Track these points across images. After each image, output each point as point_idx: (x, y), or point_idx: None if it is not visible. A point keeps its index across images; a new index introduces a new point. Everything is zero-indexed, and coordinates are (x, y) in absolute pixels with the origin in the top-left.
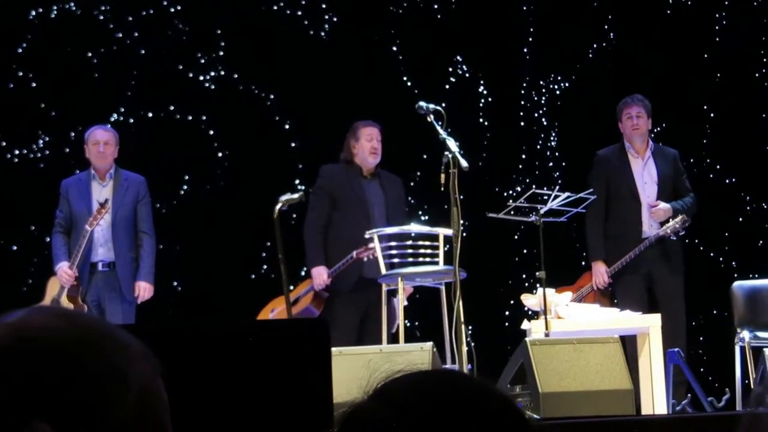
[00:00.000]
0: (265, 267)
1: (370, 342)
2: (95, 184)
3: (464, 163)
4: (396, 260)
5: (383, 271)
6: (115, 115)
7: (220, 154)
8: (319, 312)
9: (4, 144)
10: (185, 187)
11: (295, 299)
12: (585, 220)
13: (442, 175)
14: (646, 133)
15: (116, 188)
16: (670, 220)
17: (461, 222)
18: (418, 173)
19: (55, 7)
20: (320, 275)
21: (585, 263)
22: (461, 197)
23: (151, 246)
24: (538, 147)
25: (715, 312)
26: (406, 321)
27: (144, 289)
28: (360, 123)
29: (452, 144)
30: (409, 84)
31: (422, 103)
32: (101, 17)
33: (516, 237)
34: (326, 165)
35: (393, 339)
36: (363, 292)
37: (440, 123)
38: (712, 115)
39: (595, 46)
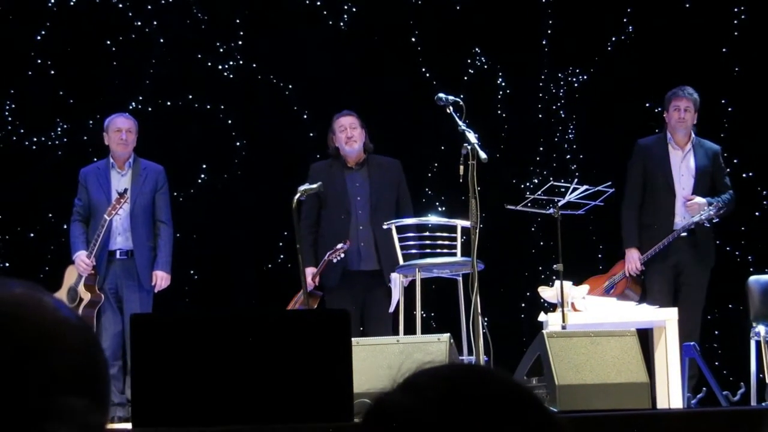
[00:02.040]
0: (281, 257)
1: (372, 333)
2: (114, 172)
3: (483, 155)
4: (414, 251)
5: (401, 261)
6: (134, 104)
7: (237, 144)
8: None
9: (23, 131)
10: (203, 175)
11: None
12: (621, 206)
13: (461, 167)
14: (691, 127)
15: (135, 177)
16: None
17: (479, 213)
18: (436, 164)
19: None
20: (306, 277)
21: (602, 255)
22: (479, 189)
23: (169, 235)
24: (556, 139)
25: (731, 306)
26: (423, 312)
27: (161, 278)
28: (335, 115)
29: (471, 136)
30: (427, 75)
31: (441, 95)
32: (120, 5)
33: (533, 229)
34: (314, 163)
35: (394, 320)
36: (353, 285)
37: (459, 114)
38: (730, 109)
39: (613, 39)
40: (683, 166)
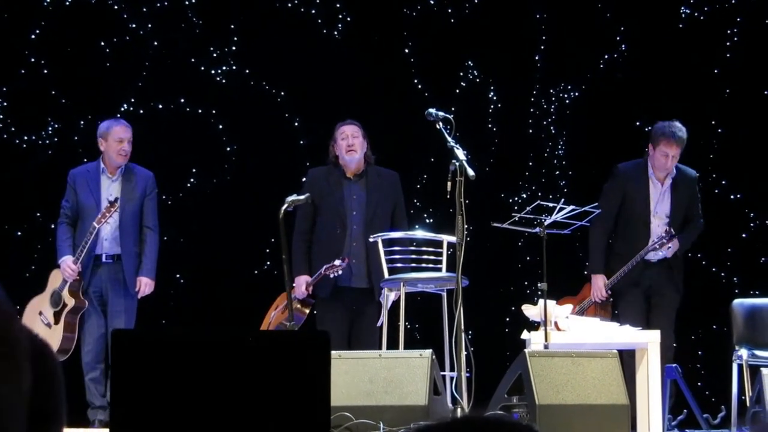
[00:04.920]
0: (268, 263)
1: (360, 347)
2: (104, 178)
3: (471, 172)
4: (399, 265)
5: (386, 275)
6: (125, 105)
7: (228, 149)
8: (304, 318)
9: (13, 130)
10: (192, 179)
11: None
12: (589, 231)
13: (449, 183)
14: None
15: (125, 184)
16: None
17: (466, 228)
18: (425, 176)
19: None
20: (300, 285)
21: (587, 275)
22: (466, 202)
23: (155, 241)
24: (546, 155)
25: (714, 327)
26: (408, 324)
27: (145, 285)
28: (338, 123)
29: (460, 152)
30: (419, 87)
31: (432, 110)
32: (115, 7)
33: (520, 244)
34: (313, 168)
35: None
36: (342, 300)
37: (449, 130)
38: (719, 130)
39: (606, 56)
40: (661, 202)
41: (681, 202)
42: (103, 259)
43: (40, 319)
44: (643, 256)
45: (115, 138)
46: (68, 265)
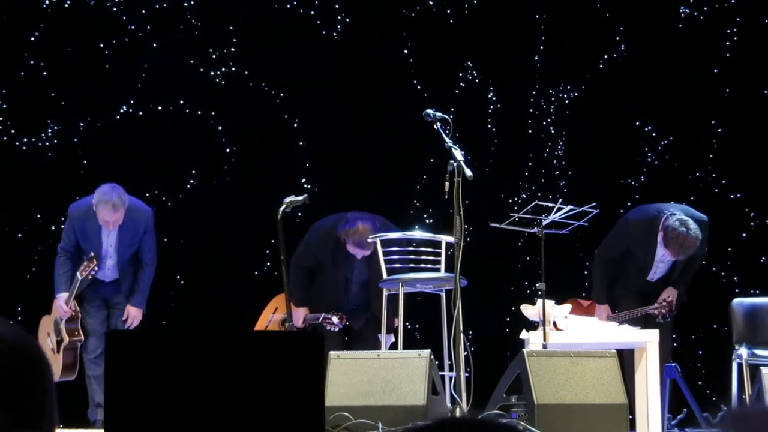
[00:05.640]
0: (268, 264)
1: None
2: (103, 230)
3: (469, 173)
4: (397, 265)
5: (384, 275)
6: (125, 107)
7: (227, 150)
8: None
9: (13, 132)
10: (192, 181)
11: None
12: (592, 266)
13: (447, 183)
14: None
15: (122, 234)
16: (663, 302)
17: (464, 228)
18: (425, 176)
19: None
20: (298, 319)
21: (585, 274)
22: (466, 202)
23: (150, 275)
24: (545, 155)
25: (715, 326)
26: (408, 324)
27: (133, 317)
28: (350, 233)
29: (458, 153)
30: (418, 87)
31: (429, 111)
32: (114, 9)
33: (520, 244)
34: (321, 228)
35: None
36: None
37: (447, 131)
38: (719, 130)
39: (605, 56)
40: (666, 256)
41: (682, 263)
42: (106, 281)
43: (48, 341)
44: (644, 313)
45: (101, 217)
46: (61, 306)
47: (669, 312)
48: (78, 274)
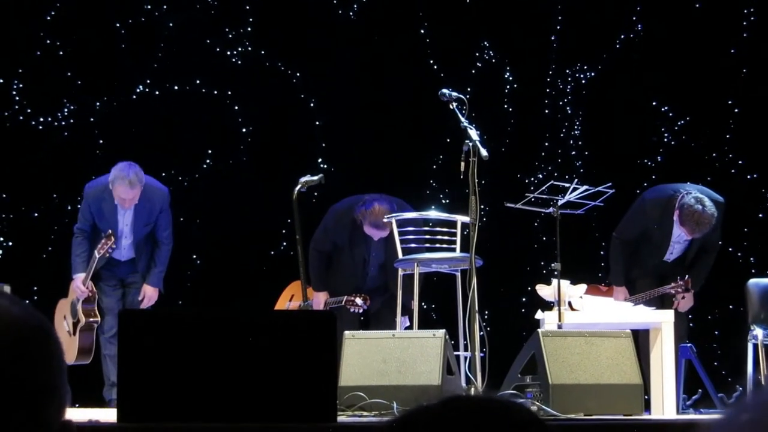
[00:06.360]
0: (284, 244)
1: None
2: (119, 209)
3: (484, 153)
4: (413, 245)
5: (400, 255)
6: (141, 87)
7: (243, 130)
8: (300, 305)
9: (29, 111)
10: (208, 161)
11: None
12: (610, 248)
13: (462, 163)
14: None
15: (139, 213)
16: (679, 279)
17: (480, 208)
18: (441, 156)
19: None
20: (319, 304)
21: (601, 254)
22: (481, 182)
23: (166, 254)
24: (562, 135)
25: (731, 307)
26: (423, 303)
27: (149, 297)
28: (367, 214)
29: (473, 133)
30: (435, 67)
31: (445, 90)
32: None
33: (536, 224)
34: (338, 210)
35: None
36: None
37: (462, 111)
38: (736, 110)
39: (622, 36)
40: (681, 236)
41: (701, 238)
42: (122, 260)
43: (63, 324)
44: (659, 293)
45: (117, 195)
46: (78, 286)
47: (686, 291)
48: (95, 252)
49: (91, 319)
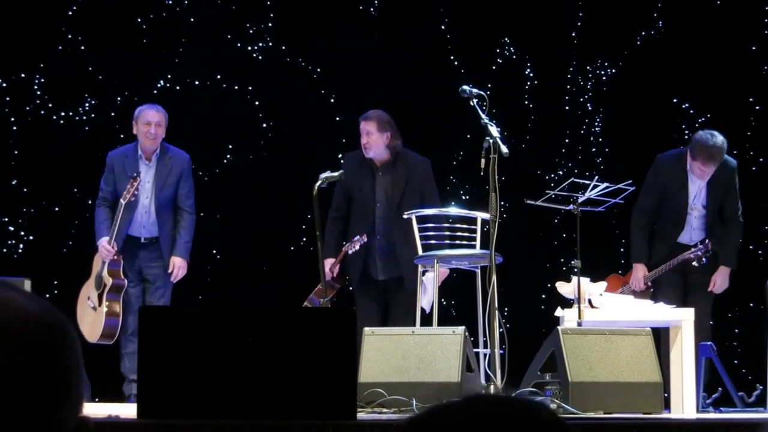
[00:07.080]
0: (304, 239)
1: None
2: (141, 164)
3: (504, 149)
4: (433, 242)
5: (419, 252)
6: (162, 82)
7: (264, 125)
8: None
9: (51, 106)
10: (228, 156)
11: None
12: (631, 220)
13: (483, 160)
14: None
15: (160, 169)
16: (699, 245)
17: (500, 205)
18: (461, 152)
19: None
20: (324, 268)
21: (622, 252)
22: (502, 179)
23: (190, 223)
24: (582, 132)
25: (752, 305)
26: (443, 300)
27: (178, 266)
28: (360, 116)
29: (494, 129)
30: (455, 63)
31: (465, 87)
32: None
33: (556, 221)
34: (349, 153)
35: (428, 319)
36: (376, 288)
37: (483, 107)
38: (757, 107)
39: (643, 33)
40: (699, 195)
41: (717, 195)
42: (142, 240)
43: (88, 304)
44: (681, 261)
45: (143, 121)
46: (104, 246)
47: (705, 254)
48: (121, 199)
49: (118, 280)
